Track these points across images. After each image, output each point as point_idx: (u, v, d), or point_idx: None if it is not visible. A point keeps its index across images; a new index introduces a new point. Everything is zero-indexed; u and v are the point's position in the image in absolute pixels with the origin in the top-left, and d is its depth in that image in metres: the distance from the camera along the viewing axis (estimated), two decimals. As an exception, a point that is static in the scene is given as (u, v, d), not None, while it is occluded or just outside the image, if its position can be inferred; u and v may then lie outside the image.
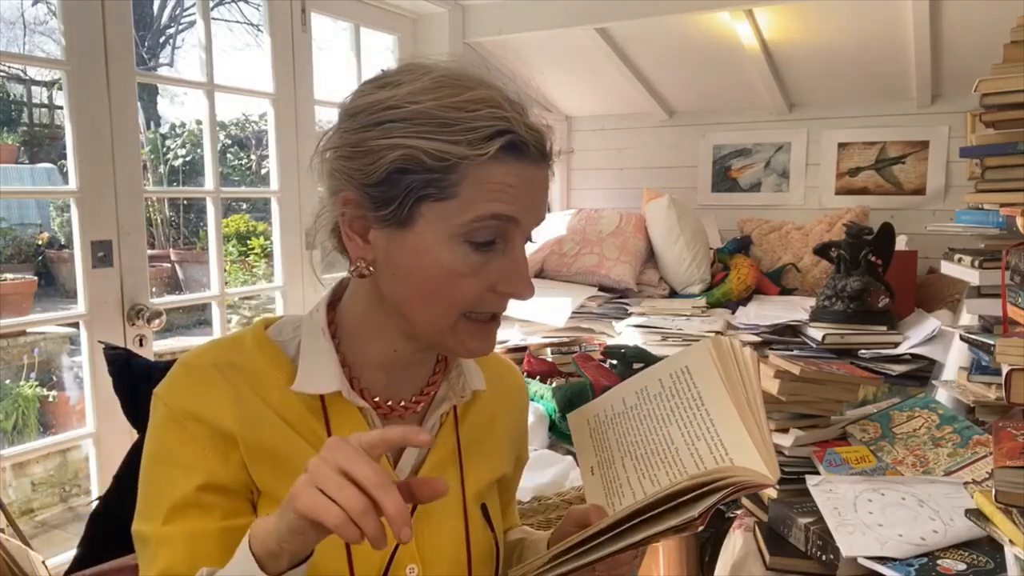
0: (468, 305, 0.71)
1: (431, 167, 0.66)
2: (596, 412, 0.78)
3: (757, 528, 1.40)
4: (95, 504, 1.11)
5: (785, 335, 2.27)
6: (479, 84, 0.69)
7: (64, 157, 2.24)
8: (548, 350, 2.45)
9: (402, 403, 0.79)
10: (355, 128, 0.69)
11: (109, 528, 1.02)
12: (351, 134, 0.70)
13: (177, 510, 0.70)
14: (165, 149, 7.06)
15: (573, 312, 2.48)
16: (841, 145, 2.89)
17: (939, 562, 1.08)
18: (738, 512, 1.54)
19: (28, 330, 3.82)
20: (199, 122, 5.76)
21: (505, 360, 0.96)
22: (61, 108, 3.30)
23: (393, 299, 0.73)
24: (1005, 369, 1.07)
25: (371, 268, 0.73)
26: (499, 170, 0.67)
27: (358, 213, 0.71)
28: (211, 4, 3.88)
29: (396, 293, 0.73)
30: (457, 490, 0.81)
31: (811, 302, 2.36)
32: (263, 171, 6.87)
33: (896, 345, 2.05)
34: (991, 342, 1.18)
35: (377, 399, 0.78)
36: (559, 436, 2.02)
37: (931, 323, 2.05)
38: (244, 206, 6.49)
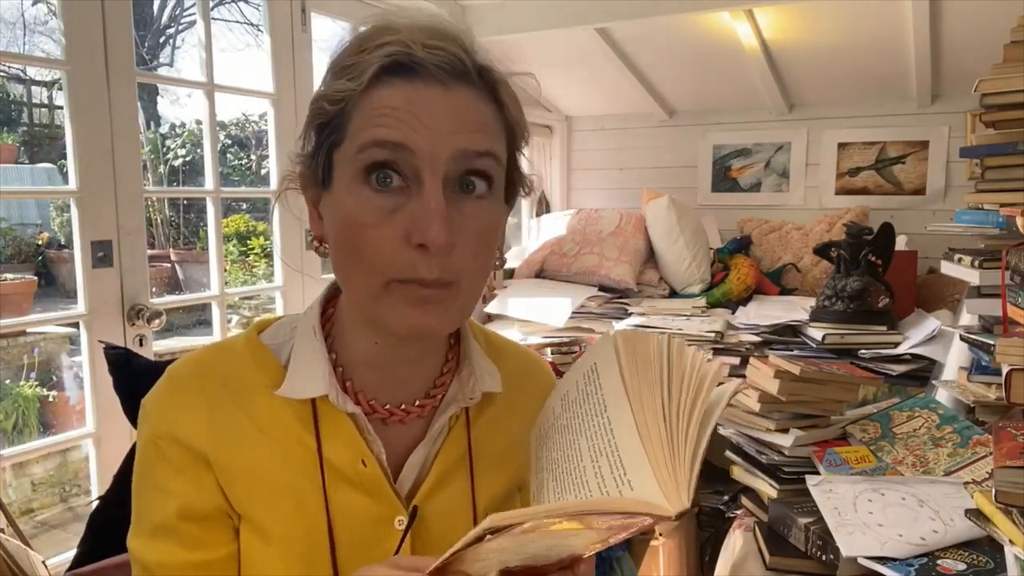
0: (388, 264, 0.61)
1: (331, 112, 0.62)
2: (539, 426, 0.68)
3: (757, 528, 1.40)
4: (95, 504, 1.11)
5: (785, 335, 2.27)
6: (386, 18, 0.63)
7: (64, 157, 2.24)
8: (548, 350, 2.45)
9: (402, 406, 0.71)
10: None
11: (109, 528, 1.02)
12: None
13: (156, 534, 0.68)
14: (165, 149, 7.06)
15: (573, 312, 2.48)
16: (841, 145, 2.89)
17: (939, 562, 1.08)
18: (738, 512, 1.54)
19: (28, 330, 3.82)
20: (199, 122, 5.76)
21: (529, 353, 0.86)
22: (61, 108, 3.30)
23: (336, 275, 0.68)
24: (1005, 369, 1.07)
25: (327, 247, 0.68)
26: (381, 94, 0.60)
27: (310, 189, 0.68)
28: (211, 4, 3.88)
29: (334, 266, 0.67)
30: (467, 502, 0.73)
31: (811, 302, 2.36)
32: (263, 171, 6.87)
33: (896, 345, 2.05)
34: (991, 342, 1.18)
35: (373, 402, 0.71)
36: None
37: (931, 323, 2.05)
38: (244, 206, 6.50)
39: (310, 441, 0.69)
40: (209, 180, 2.10)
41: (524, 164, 0.71)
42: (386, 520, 0.70)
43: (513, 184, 0.71)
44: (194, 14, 8.00)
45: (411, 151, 0.59)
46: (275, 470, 0.68)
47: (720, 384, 0.58)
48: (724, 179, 3.12)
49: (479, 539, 0.49)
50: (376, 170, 0.61)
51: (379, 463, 0.70)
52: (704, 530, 2.42)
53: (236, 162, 7.30)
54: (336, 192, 0.64)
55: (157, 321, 1.85)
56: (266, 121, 2.33)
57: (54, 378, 3.97)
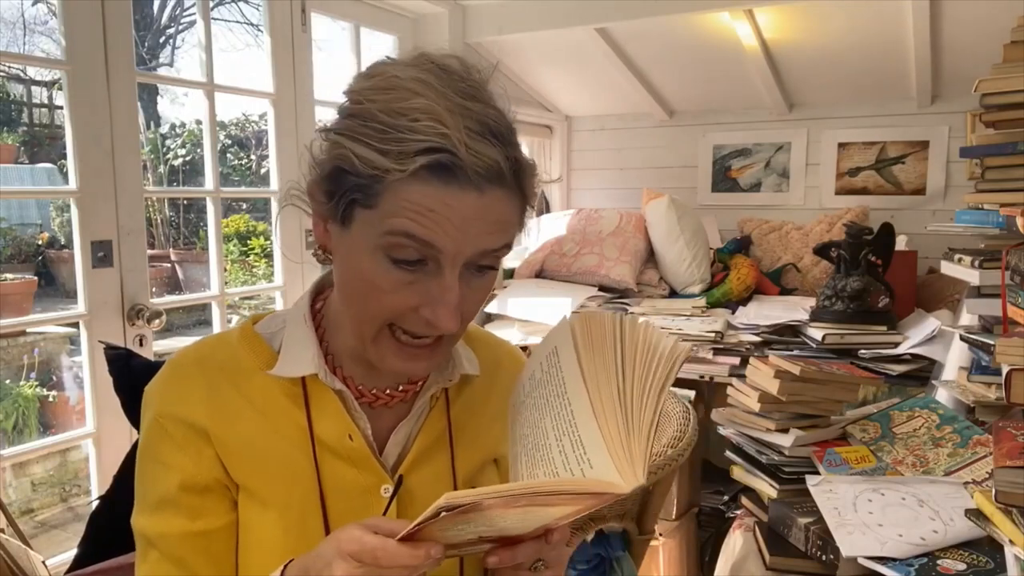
0: (392, 318, 0.68)
1: (361, 173, 0.63)
2: (513, 400, 0.73)
3: (757, 528, 1.41)
4: (95, 504, 1.11)
5: (785, 335, 2.27)
6: (431, 91, 0.63)
7: (64, 157, 2.24)
8: (548, 350, 2.45)
9: (387, 391, 0.79)
10: (337, 115, 0.69)
11: (109, 528, 1.02)
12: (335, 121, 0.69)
13: (159, 507, 0.73)
14: (165, 149, 7.06)
15: (573, 312, 2.48)
16: (841, 145, 2.89)
17: (939, 562, 1.08)
18: (738, 512, 1.54)
19: (28, 330, 3.82)
20: (199, 122, 5.75)
21: (503, 343, 0.93)
22: (61, 108, 3.30)
23: (338, 294, 0.75)
24: (1005, 369, 1.07)
25: (330, 257, 0.74)
26: (419, 190, 0.62)
27: (319, 200, 0.70)
28: (211, 4, 3.88)
29: (338, 289, 0.74)
30: (447, 474, 0.80)
31: (811, 302, 2.36)
32: (263, 171, 6.87)
33: (896, 345, 2.05)
34: (991, 342, 1.19)
35: (361, 387, 0.78)
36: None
37: (931, 323, 2.05)
38: (244, 206, 6.50)
39: (300, 418, 0.75)
40: (209, 180, 2.10)
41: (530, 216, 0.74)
42: (373, 489, 0.76)
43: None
44: (194, 14, 8.01)
45: (438, 249, 0.64)
46: (269, 444, 0.74)
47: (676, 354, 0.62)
48: (724, 179, 3.12)
49: (436, 515, 0.52)
50: (403, 253, 0.65)
51: (364, 437, 0.76)
52: (704, 530, 2.42)
53: (236, 162, 7.30)
54: (354, 242, 0.67)
55: (157, 321, 1.85)
56: (266, 121, 2.33)
57: (54, 378, 3.97)
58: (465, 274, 0.67)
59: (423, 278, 0.66)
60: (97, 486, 1.83)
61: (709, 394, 2.25)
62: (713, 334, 2.23)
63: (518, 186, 0.68)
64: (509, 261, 2.93)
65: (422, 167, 0.61)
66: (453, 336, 0.72)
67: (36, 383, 3.71)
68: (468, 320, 0.71)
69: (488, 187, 0.64)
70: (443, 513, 0.51)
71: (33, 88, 6.86)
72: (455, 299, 0.66)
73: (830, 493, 1.27)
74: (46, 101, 6.92)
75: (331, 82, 2.56)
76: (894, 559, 1.10)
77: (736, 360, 2.16)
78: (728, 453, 1.57)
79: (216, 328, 2.18)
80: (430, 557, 0.58)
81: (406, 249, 0.64)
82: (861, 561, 1.11)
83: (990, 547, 1.10)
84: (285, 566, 0.67)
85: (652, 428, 0.57)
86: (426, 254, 0.65)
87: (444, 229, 0.63)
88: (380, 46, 2.86)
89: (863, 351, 2.06)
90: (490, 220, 0.65)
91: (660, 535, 2.17)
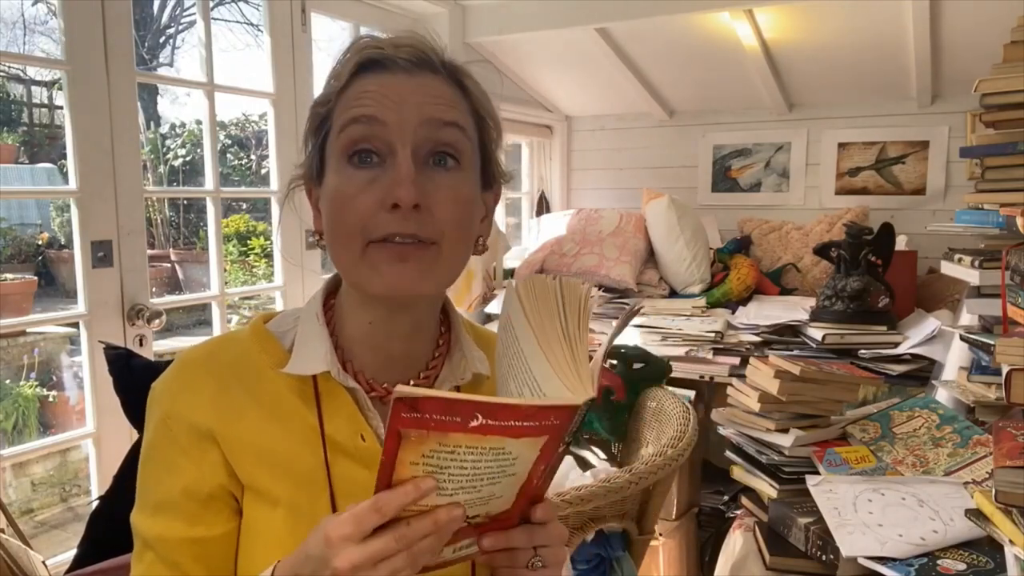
0: (365, 226, 0.68)
1: (321, 114, 0.73)
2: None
3: (757, 528, 1.41)
4: (95, 504, 1.11)
5: (785, 335, 2.27)
6: (367, 36, 0.75)
7: (64, 157, 2.24)
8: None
9: (398, 385, 0.78)
10: None
11: (109, 528, 1.02)
12: None
13: (159, 509, 0.73)
14: (165, 149, 7.05)
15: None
16: (841, 145, 2.89)
17: (939, 562, 1.09)
18: (738, 512, 1.54)
19: (28, 330, 3.82)
20: (199, 122, 5.75)
21: None
22: (61, 108, 3.30)
23: (329, 253, 0.75)
24: (1005, 369, 1.07)
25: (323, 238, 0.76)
26: (357, 85, 0.71)
27: (309, 188, 0.77)
28: (211, 4, 3.88)
29: (328, 247, 0.74)
30: None
31: (811, 302, 2.36)
32: (263, 171, 6.87)
33: (896, 345, 2.05)
34: (991, 342, 1.19)
35: (372, 380, 0.77)
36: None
37: (931, 323, 2.06)
38: (244, 206, 6.49)
39: (312, 418, 0.74)
40: (209, 180, 2.10)
41: (501, 158, 0.79)
42: None
43: (490, 171, 0.79)
44: (194, 14, 8.00)
45: (383, 123, 0.69)
46: (278, 443, 0.73)
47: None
48: (724, 179, 3.12)
49: (396, 415, 0.53)
50: (356, 148, 0.70)
51: (377, 437, 0.75)
52: (704, 530, 2.42)
53: (236, 162, 7.29)
54: (327, 180, 0.73)
55: (157, 321, 1.85)
56: (266, 121, 2.33)
57: (54, 378, 3.97)
58: (426, 169, 0.70)
59: (382, 174, 0.69)
60: (97, 486, 1.83)
61: (709, 394, 2.25)
62: (713, 334, 2.23)
63: (455, 79, 0.73)
64: (509, 261, 2.93)
65: (355, 68, 0.71)
66: (443, 249, 0.70)
67: (36, 383, 3.71)
68: (450, 224, 0.70)
69: (417, 71, 0.71)
70: (394, 400, 0.53)
71: (33, 88, 6.85)
72: (409, 172, 0.68)
73: (830, 493, 1.27)
74: (46, 101, 6.92)
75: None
76: (894, 559, 1.10)
77: (736, 360, 2.16)
78: (728, 453, 1.57)
79: (216, 328, 2.18)
80: (423, 490, 0.56)
81: (358, 140, 0.69)
82: (861, 561, 1.11)
83: (990, 547, 1.10)
84: (273, 569, 0.66)
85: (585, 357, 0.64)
86: (377, 143, 0.69)
87: (383, 104, 0.69)
88: (380, 46, 2.86)
89: (863, 351, 2.06)
90: (428, 94, 0.71)
91: (660, 535, 2.17)
